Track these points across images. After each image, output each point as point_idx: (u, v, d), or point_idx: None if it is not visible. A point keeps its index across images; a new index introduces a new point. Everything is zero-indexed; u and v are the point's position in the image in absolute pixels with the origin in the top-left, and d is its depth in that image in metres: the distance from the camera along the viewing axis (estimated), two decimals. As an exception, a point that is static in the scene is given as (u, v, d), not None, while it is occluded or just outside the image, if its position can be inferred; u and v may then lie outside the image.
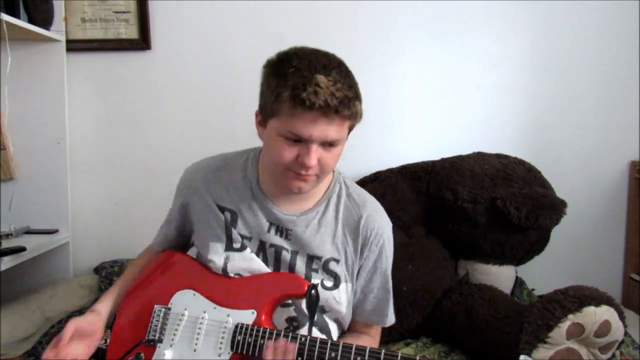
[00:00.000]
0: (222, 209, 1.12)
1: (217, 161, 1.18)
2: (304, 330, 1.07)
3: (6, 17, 1.53)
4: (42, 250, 1.71)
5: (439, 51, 1.96)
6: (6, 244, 1.60)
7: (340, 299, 1.10)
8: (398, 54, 1.96)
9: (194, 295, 1.09)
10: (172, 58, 1.95)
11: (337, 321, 1.15)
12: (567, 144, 1.98)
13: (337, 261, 1.10)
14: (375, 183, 1.80)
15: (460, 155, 1.77)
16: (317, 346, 0.94)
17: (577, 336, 1.25)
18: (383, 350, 0.90)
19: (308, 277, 1.08)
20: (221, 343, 1.01)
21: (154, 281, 1.16)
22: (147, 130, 1.98)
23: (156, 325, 1.07)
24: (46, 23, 1.79)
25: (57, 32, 1.83)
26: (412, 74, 1.97)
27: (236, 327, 1.01)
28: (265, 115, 1.01)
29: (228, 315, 1.03)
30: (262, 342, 0.97)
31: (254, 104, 2.09)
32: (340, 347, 0.93)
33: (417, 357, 0.88)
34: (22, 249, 1.56)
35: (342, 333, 1.19)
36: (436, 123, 1.99)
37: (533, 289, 1.77)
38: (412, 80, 1.97)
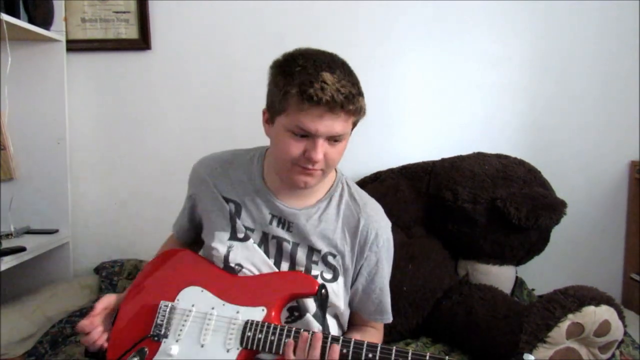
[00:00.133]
0: (227, 200, 1.16)
1: (225, 155, 1.23)
2: (304, 320, 1.10)
3: (6, 17, 1.53)
4: (42, 250, 1.71)
5: (439, 51, 1.96)
6: (6, 244, 1.60)
7: (338, 292, 1.13)
8: (398, 54, 1.96)
9: (202, 291, 1.10)
10: (172, 58, 1.95)
11: (336, 317, 1.17)
12: (567, 144, 1.98)
13: (335, 256, 1.13)
14: (375, 183, 1.80)
15: (460, 156, 1.77)
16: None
17: (577, 336, 1.26)
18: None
19: (308, 268, 1.11)
20: (230, 339, 1.02)
21: (159, 278, 1.17)
22: (147, 130, 1.98)
23: (162, 321, 1.07)
24: (46, 23, 1.79)
25: (57, 32, 1.83)
26: (412, 74, 1.97)
27: (246, 323, 1.02)
28: (273, 112, 1.05)
29: (237, 312, 1.05)
30: (272, 338, 0.99)
31: (254, 104, 2.09)
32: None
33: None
34: (22, 249, 1.56)
35: (343, 333, 1.20)
36: (436, 123, 1.99)
37: (533, 289, 1.77)
38: (412, 80, 1.97)
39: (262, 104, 1.99)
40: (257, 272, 1.11)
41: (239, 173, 1.18)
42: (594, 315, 1.24)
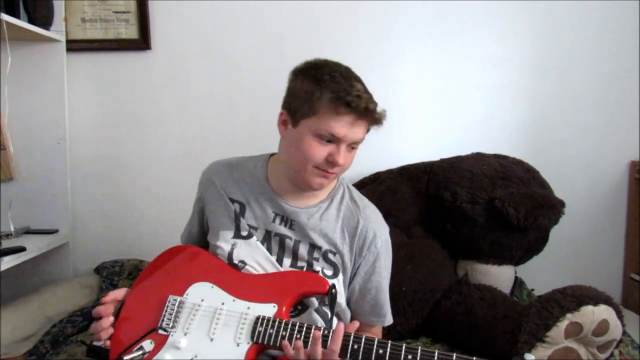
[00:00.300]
0: (233, 201, 1.20)
1: (231, 160, 1.28)
2: (307, 314, 1.13)
3: (6, 17, 1.53)
4: (42, 250, 1.71)
5: (439, 51, 1.96)
6: (6, 244, 1.60)
7: (339, 289, 1.15)
8: (398, 54, 1.96)
9: (212, 287, 1.11)
10: (172, 58, 1.95)
11: (337, 316, 1.19)
12: (567, 144, 1.98)
13: (335, 254, 1.16)
14: (374, 184, 1.80)
15: (459, 156, 1.77)
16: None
17: (576, 335, 1.26)
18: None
19: (310, 264, 1.15)
20: (240, 333, 1.03)
21: (167, 273, 1.17)
22: (147, 130, 1.98)
23: (170, 314, 1.08)
24: (46, 23, 1.79)
25: (57, 32, 1.83)
26: (412, 74, 1.97)
27: (257, 318, 1.04)
28: (299, 115, 1.08)
29: (248, 308, 1.06)
30: (284, 333, 1.01)
31: (254, 104, 2.10)
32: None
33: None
34: (22, 249, 1.57)
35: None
36: (436, 123, 1.99)
37: (533, 289, 1.77)
38: (412, 80, 1.97)
39: (261, 103, 2.00)
40: (259, 269, 1.14)
41: (244, 175, 1.22)
42: (593, 314, 1.24)
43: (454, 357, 0.91)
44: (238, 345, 1.02)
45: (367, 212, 1.19)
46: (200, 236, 1.30)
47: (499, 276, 1.66)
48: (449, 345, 1.50)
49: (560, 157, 1.97)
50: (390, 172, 1.82)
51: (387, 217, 1.27)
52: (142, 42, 1.93)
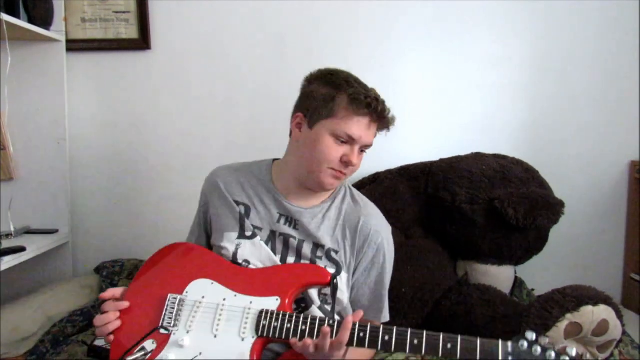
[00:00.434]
0: (238, 203, 1.23)
1: (236, 165, 1.32)
2: (310, 312, 1.14)
3: (6, 17, 1.54)
4: (42, 250, 1.71)
5: (439, 51, 1.96)
6: (6, 244, 1.61)
7: (342, 287, 1.17)
8: (398, 54, 1.96)
9: (212, 284, 1.11)
10: (172, 58, 1.95)
11: (340, 314, 1.20)
12: (567, 144, 1.98)
13: (337, 252, 1.19)
14: (374, 184, 1.80)
15: (458, 156, 1.77)
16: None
17: (575, 335, 1.26)
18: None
19: (313, 262, 1.17)
20: (245, 328, 1.04)
21: (164, 271, 1.17)
22: (147, 130, 1.98)
23: (171, 313, 1.08)
24: (46, 23, 1.79)
25: (57, 32, 1.83)
26: (412, 74, 1.97)
27: (260, 312, 1.04)
28: (316, 116, 1.13)
29: (250, 302, 1.07)
30: (289, 326, 1.02)
31: (254, 104, 2.10)
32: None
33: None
34: (22, 249, 1.57)
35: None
36: (436, 123, 1.99)
37: (533, 289, 1.77)
38: (412, 80, 1.97)
39: (261, 104, 2.00)
40: None
41: (249, 178, 1.26)
42: (592, 314, 1.24)
43: (459, 338, 0.91)
44: (243, 340, 1.03)
45: (367, 210, 1.23)
46: (202, 238, 1.31)
47: (498, 276, 1.66)
48: (448, 345, 1.50)
49: (560, 157, 1.97)
50: (389, 173, 1.81)
51: (386, 217, 1.28)
52: (142, 42, 1.93)
